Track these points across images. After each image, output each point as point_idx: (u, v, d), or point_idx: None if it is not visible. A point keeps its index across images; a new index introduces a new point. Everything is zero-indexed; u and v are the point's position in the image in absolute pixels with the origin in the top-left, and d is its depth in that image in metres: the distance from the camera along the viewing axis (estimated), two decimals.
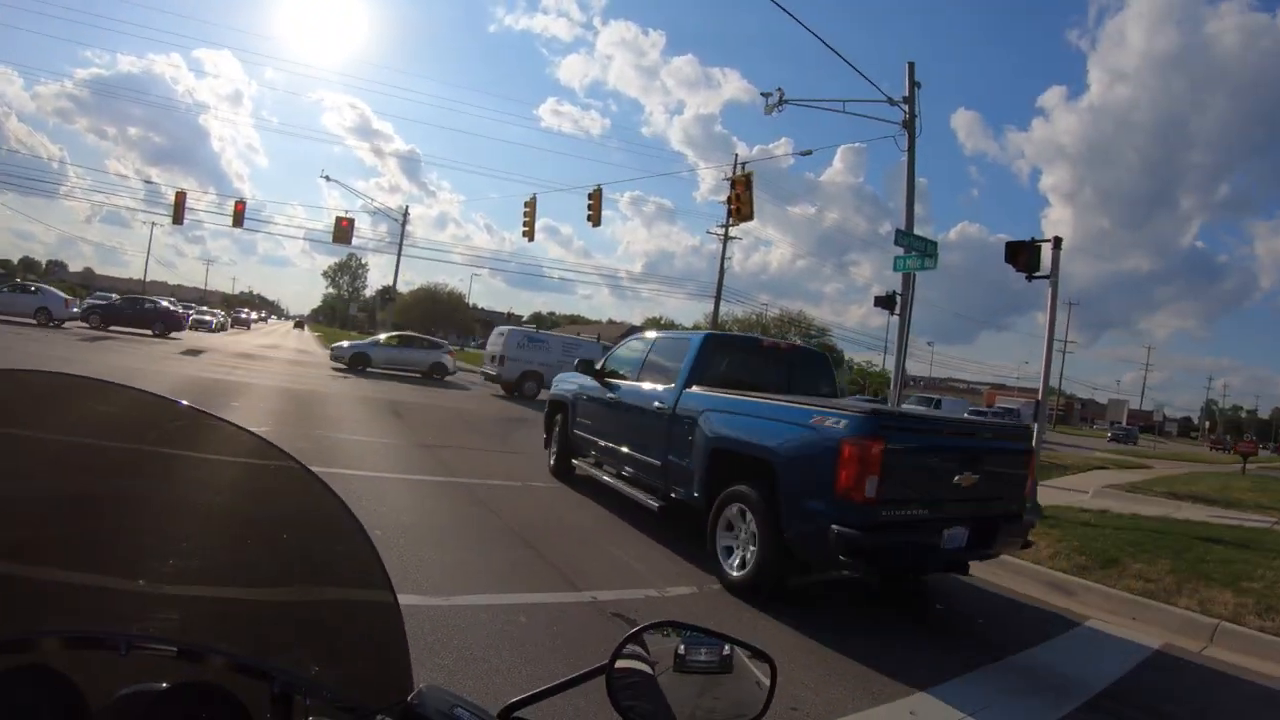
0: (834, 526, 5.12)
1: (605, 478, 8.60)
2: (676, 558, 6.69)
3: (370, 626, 1.18)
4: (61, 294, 31.88)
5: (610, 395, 8.63)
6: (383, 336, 31.45)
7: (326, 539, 1.20)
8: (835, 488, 5.20)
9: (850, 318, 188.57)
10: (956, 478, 5.64)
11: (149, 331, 31.87)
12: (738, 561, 5.96)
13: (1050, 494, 12.90)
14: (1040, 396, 12.52)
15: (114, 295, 51.36)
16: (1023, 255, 11.69)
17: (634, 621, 4.52)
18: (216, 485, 1.21)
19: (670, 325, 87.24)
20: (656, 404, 7.53)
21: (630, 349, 9.05)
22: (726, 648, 1.20)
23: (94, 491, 1.13)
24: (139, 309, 34.21)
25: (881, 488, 5.17)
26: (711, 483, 6.49)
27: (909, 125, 18.04)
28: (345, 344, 30.34)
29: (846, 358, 68.51)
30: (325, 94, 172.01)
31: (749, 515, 5.92)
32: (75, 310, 31.77)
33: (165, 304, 36.88)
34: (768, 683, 1.18)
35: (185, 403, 1.16)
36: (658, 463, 7.35)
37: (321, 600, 1.20)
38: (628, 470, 8.17)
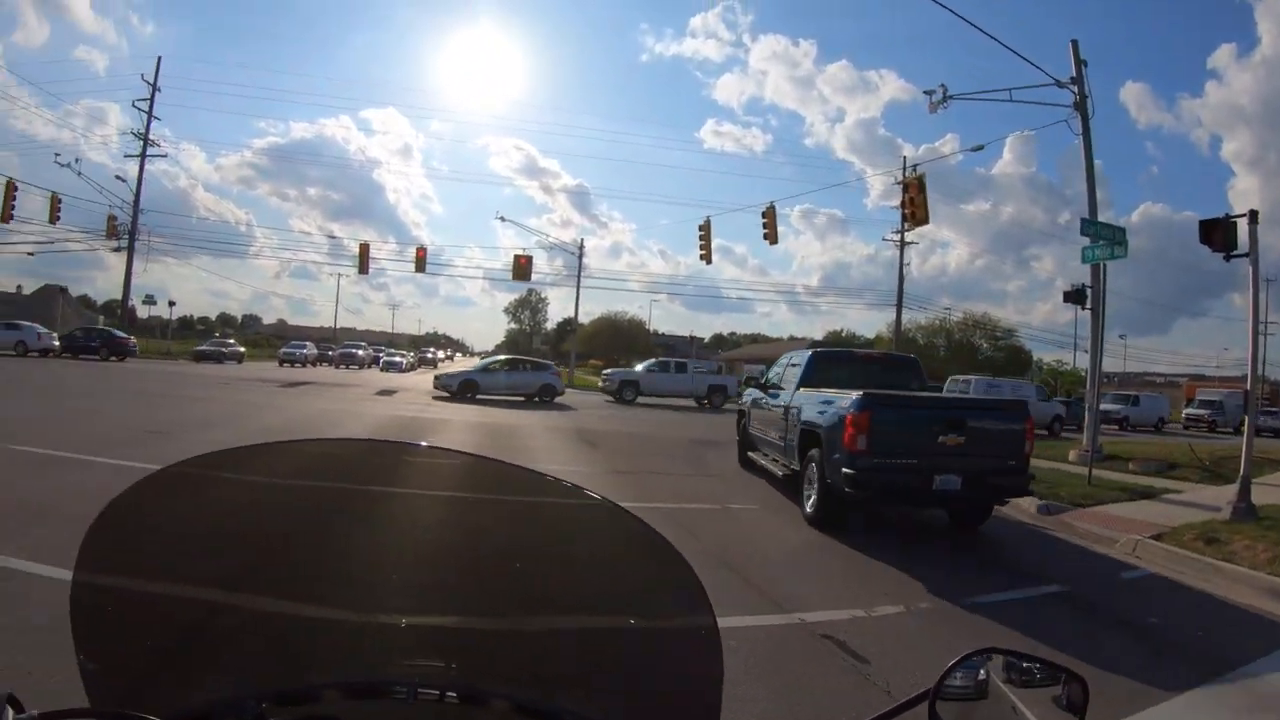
0: (843, 469, 7.83)
1: (763, 462, 11.42)
2: (879, 578, 6.63)
3: (680, 654, 1.18)
4: (39, 329, 36.07)
5: (762, 400, 11.81)
6: (489, 361, 32.36)
7: (637, 567, 1.20)
8: (844, 443, 7.90)
9: (1036, 315, 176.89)
10: (942, 438, 8.03)
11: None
12: (809, 502, 8.67)
13: (1265, 492, 11.75)
14: (1248, 385, 11.52)
15: (307, 343, 56.33)
16: (1218, 233, 10.82)
17: (843, 643, 4.67)
18: (505, 521, 1.27)
19: (851, 338, 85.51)
20: (782, 403, 10.45)
21: (777, 365, 12.08)
22: (1045, 669, 1.16)
23: (367, 535, 1.21)
24: (89, 339, 37.28)
25: (870, 443, 7.83)
26: (800, 451, 9.20)
27: (1080, 107, 17.12)
28: (452, 371, 31.87)
29: (1035, 358, 64.43)
30: (490, 138, 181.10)
31: (812, 468, 8.64)
32: (55, 343, 35.85)
33: (116, 333, 39.69)
34: (1081, 705, 1.14)
35: (478, 454, 1.29)
36: (782, 444, 10.15)
37: (616, 629, 1.20)
38: (770, 453, 11.09)
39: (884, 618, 5.53)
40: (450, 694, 1.02)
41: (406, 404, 23.15)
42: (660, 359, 35.60)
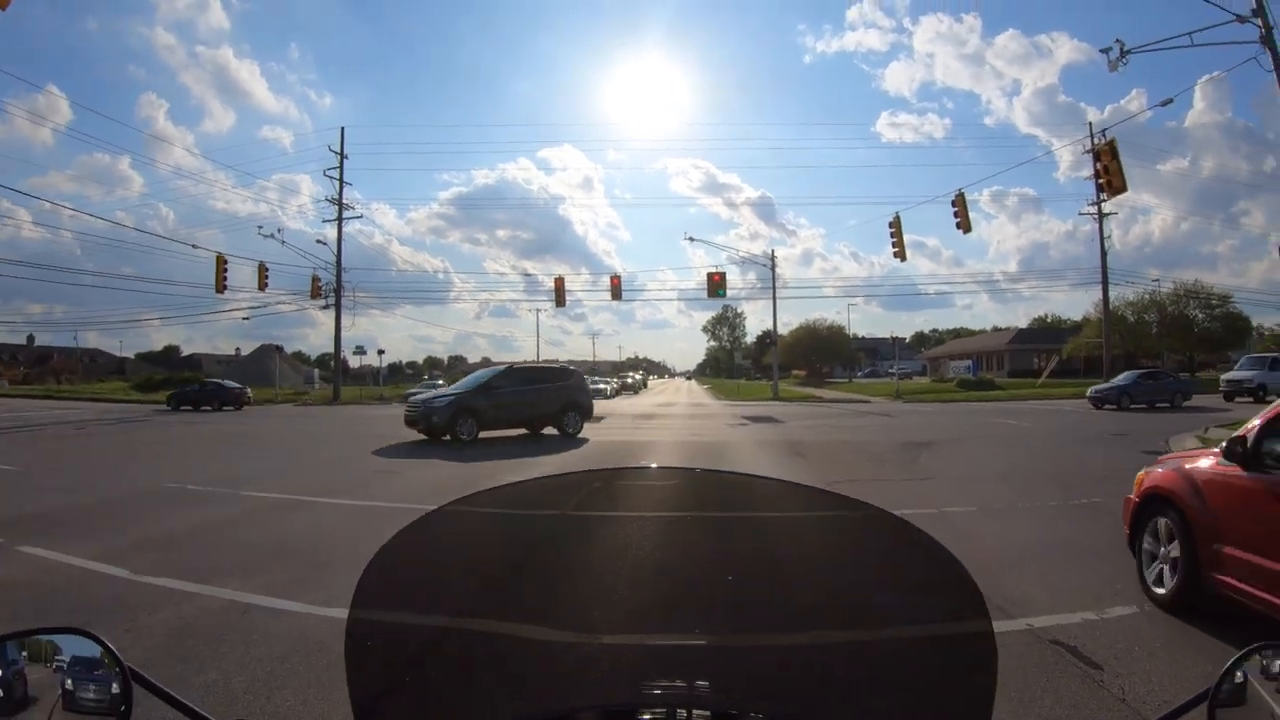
0: None
1: None
2: (1105, 577, 5.85)
3: (953, 662, 1.16)
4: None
5: None
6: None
7: (905, 572, 1.20)
8: None
9: (1252, 276, 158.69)
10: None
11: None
12: None
13: None
14: None
15: None
16: None
17: (1074, 648, 4.23)
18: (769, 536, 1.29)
19: (1056, 323, 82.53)
20: None
21: None
22: None
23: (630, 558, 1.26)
24: (201, 389, 40.39)
25: None
26: None
27: (1268, 40, 15.39)
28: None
29: (1255, 324, 57.35)
30: (668, 161, 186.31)
31: None
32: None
33: (227, 384, 42.64)
34: None
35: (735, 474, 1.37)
36: None
37: (882, 639, 1.18)
38: None
39: (1117, 619, 4.95)
40: (700, 712, 1.00)
41: (614, 430, 22.74)
42: None
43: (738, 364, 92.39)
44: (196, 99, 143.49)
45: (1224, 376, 32.97)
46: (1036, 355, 67.01)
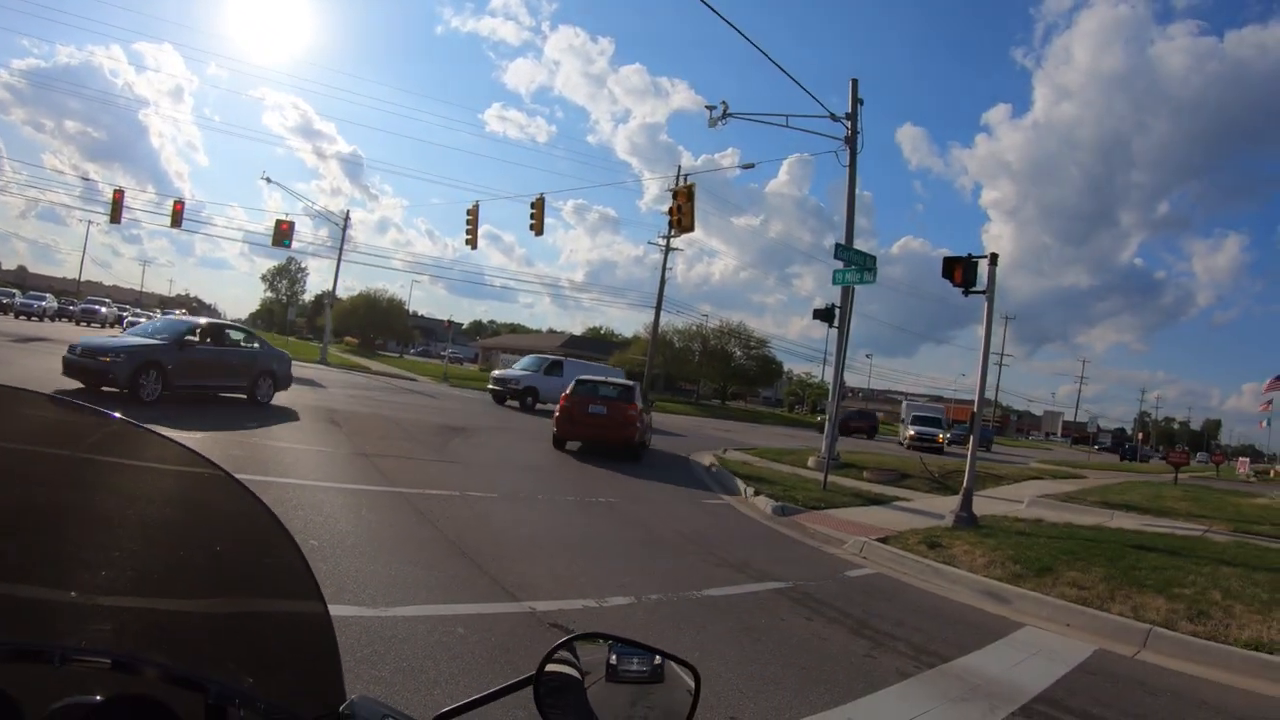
0: None
1: None
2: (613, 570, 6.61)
3: (301, 636, 1.19)
4: None
5: None
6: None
7: (255, 549, 1.19)
8: None
9: (792, 330, 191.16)
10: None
11: None
12: None
13: (985, 504, 13.17)
14: (975, 408, 12.82)
15: (47, 295, 49.57)
16: (960, 270, 11.98)
17: (571, 631, 4.48)
18: (147, 495, 1.20)
19: (609, 335, 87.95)
20: None
21: None
22: (656, 658, 1.20)
23: (24, 501, 1.12)
24: None
25: None
26: None
27: (850, 142, 18.44)
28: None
29: (787, 368, 69.52)
30: (268, 92, 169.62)
31: None
32: None
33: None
34: (692, 690, 1.19)
35: (117, 415, 1.15)
36: None
37: (252, 611, 1.19)
38: None
39: (616, 608, 5.64)
40: (101, 659, 0.98)
41: None
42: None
43: (290, 320, 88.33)
44: None
45: (494, 374, 31.76)
46: None
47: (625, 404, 16.22)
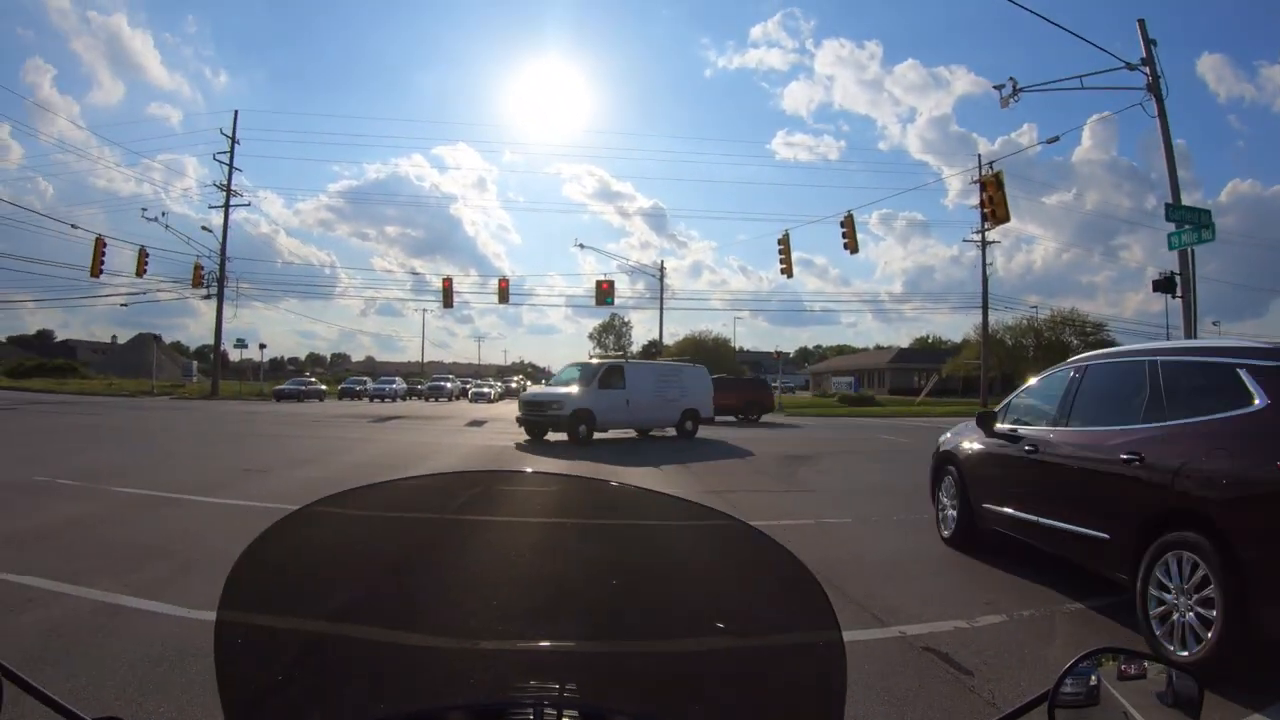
0: None
1: None
2: (984, 584, 6.18)
3: (805, 669, 1.19)
4: None
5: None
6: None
7: (761, 583, 1.22)
8: None
9: (1127, 307, 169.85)
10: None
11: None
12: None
13: None
14: None
15: (396, 378, 58.00)
16: None
17: (946, 655, 4.43)
18: (635, 542, 1.29)
19: (937, 343, 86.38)
20: None
21: None
22: (1157, 669, 1.15)
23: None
24: None
25: None
26: None
27: (1154, 88, 16.50)
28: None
29: None
30: (563, 166, 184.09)
31: None
32: None
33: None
34: (1198, 701, 1.12)
35: (615, 482, 1.33)
36: None
37: (738, 646, 1.21)
38: None
39: (988, 627, 5.12)
40: (570, 713, 1.03)
41: (498, 434, 22.84)
42: None
43: None
44: (86, 67, 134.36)
45: (523, 395, 27.34)
46: (916, 374, 69.50)
47: None
